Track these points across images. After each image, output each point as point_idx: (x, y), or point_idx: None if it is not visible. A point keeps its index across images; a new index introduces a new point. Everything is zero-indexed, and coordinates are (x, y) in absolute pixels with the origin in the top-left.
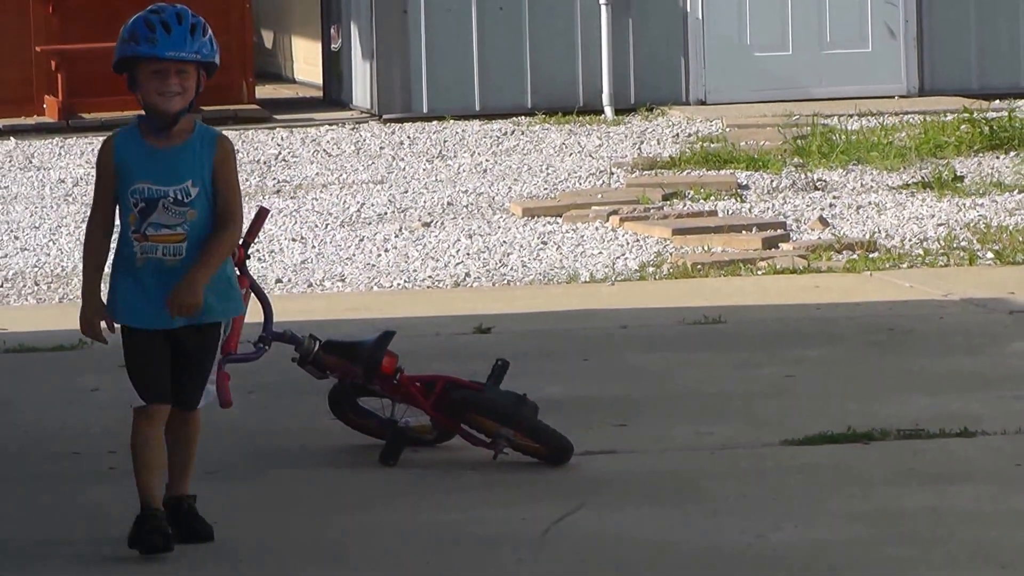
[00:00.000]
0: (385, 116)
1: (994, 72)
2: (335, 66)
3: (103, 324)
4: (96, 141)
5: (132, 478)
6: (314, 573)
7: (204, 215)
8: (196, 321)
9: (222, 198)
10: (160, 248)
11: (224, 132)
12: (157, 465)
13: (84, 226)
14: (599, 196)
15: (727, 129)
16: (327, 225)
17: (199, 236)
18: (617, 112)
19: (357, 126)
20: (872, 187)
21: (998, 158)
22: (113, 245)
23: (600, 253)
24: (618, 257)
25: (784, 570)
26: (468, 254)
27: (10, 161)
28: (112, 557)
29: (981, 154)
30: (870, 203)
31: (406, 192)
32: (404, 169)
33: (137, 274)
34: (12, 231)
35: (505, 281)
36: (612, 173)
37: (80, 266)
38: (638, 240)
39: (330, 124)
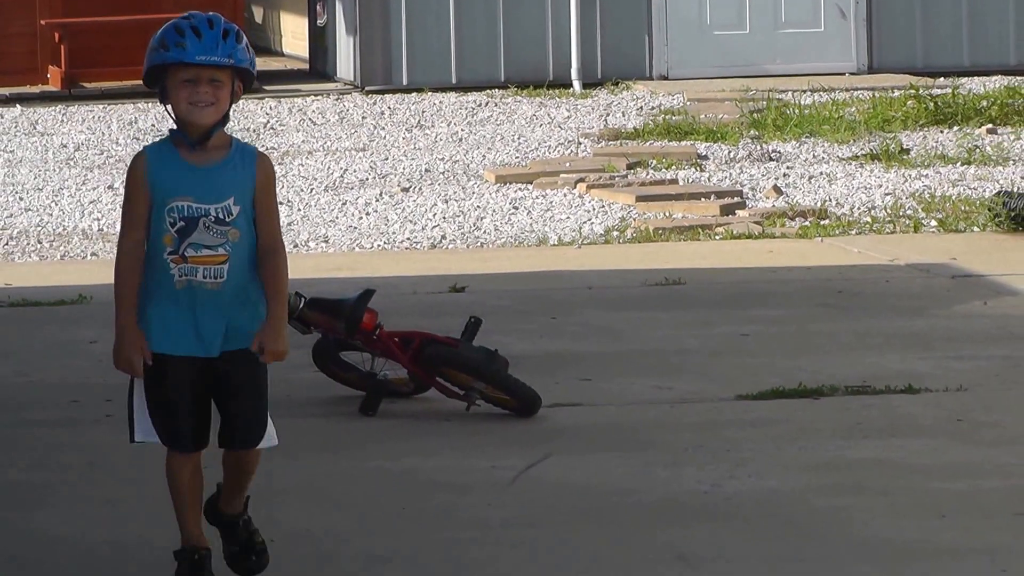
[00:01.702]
0: (367, 88)
1: (938, 51)
2: (321, 40)
3: (142, 357)
4: (96, 108)
5: (128, 426)
6: (301, 513)
7: (245, 235)
8: (236, 346)
9: (267, 226)
10: (200, 271)
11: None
12: (196, 496)
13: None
14: (567, 164)
15: (688, 103)
16: (312, 190)
17: (241, 257)
18: (585, 86)
19: (341, 97)
20: (823, 158)
21: (942, 132)
22: None
23: (568, 218)
24: (585, 222)
25: (738, 517)
26: (444, 218)
27: (16, 127)
28: (109, 498)
29: (926, 128)
30: (821, 173)
31: (386, 159)
32: (385, 138)
33: (174, 298)
34: (17, 192)
35: (479, 243)
36: (580, 143)
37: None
38: (604, 206)
39: (315, 95)
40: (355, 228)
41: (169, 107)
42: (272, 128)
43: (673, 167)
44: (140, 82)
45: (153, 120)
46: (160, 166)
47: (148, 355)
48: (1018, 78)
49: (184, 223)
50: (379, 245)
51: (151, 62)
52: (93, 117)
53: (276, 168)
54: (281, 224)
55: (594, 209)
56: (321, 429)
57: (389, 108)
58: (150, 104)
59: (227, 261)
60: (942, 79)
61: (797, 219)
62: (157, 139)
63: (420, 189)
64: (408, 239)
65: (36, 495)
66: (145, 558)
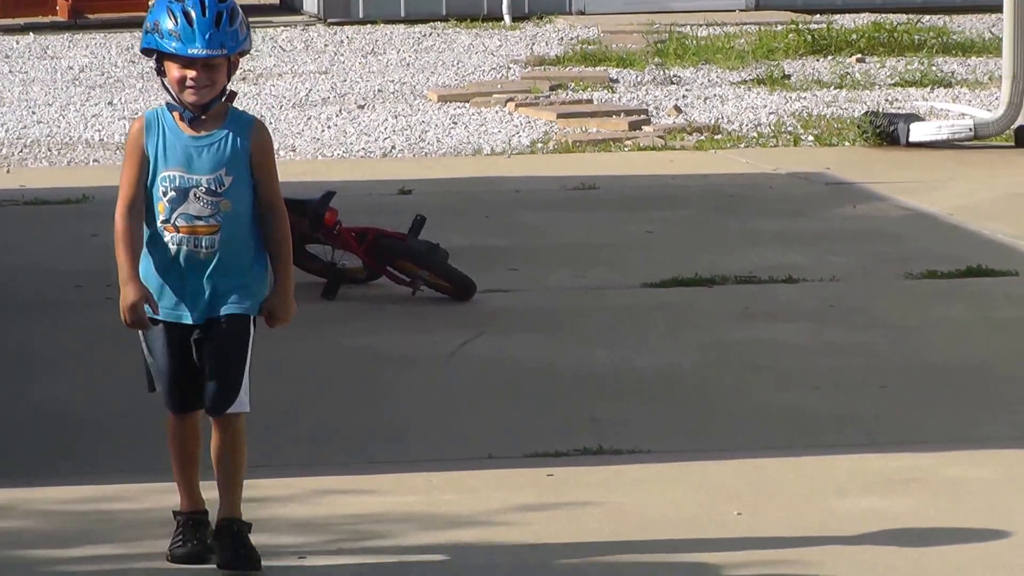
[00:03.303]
0: (329, 20)
1: None
2: None
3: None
4: (98, 36)
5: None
6: (264, 384)
7: (239, 205)
8: (217, 313)
9: (267, 190)
10: (192, 240)
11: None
12: (194, 457)
13: (115, 216)
14: (499, 86)
15: (602, 34)
16: (282, 106)
17: (233, 227)
18: (514, 19)
19: (307, 28)
20: (717, 82)
21: (818, 61)
22: None
23: (499, 132)
24: (513, 135)
25: (644, 388)
26: (394, 131)
27: (29, 52)
28: (104, 370)
29: (805, 57)
30: (715, 95)
31: (345, 81)
32: (343, 63)
33: (167, 265)
34: (30, 107)
35: (423, 153)
36: (509, 68)
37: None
38: (530, 122)
39: (285, 26)
40: (318, 139)
41: (165, 80)
42: (248, 55)
43: (589, 89)
44: (135, 14)
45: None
46: (156, 135)
47: (153, 304)
48: (883, 15)
49: (175, 193)
50: (338, 154)
51: (146, 43)
52: (95, 44)
53: (251, 88)
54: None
55: (521, 124)
56: None
57: (347, 37)
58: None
59: (218, 231)
60: (819, 16)
61: (694, 134)
62: (158, 106)
63: (373, 107)
64: (363, 149)
65: (46, 365)
66: (134, 421)
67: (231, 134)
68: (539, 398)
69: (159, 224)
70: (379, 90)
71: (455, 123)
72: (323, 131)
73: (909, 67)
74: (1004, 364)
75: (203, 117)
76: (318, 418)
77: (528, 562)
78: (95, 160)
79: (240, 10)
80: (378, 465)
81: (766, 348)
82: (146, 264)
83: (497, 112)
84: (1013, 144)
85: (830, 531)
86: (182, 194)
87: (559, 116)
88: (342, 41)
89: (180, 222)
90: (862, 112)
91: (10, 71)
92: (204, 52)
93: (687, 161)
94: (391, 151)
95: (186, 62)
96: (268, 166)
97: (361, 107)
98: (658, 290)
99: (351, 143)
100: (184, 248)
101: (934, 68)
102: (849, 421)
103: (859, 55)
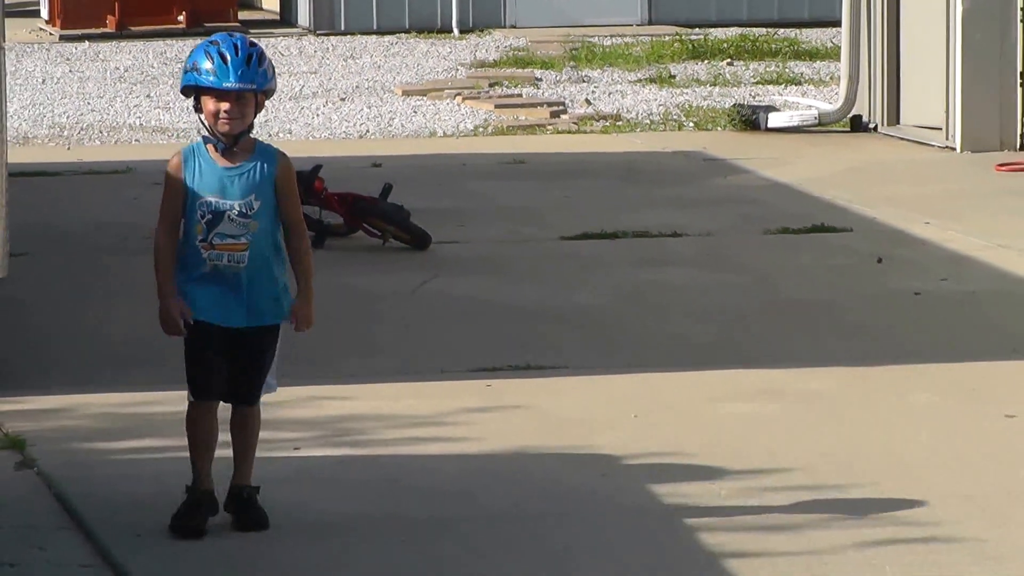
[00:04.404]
0: (318, 32)
1: (696, 9)
2: None
3: (182, 318)
4: (139, 44)
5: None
6: None
7: (265, 226)
8: (257, 323)
9: (289, 212)
10: (225, 256)
11: None
12: (209, 445)
13: (154, 231)
14: (450, 84)
15: (529, 44)
16: (280, 100)
17: (260, 244)
18: (461, 32)
19: (300, 38)
20: (618, 81)
21: (697, 64)
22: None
23: (450, 119)
24: (461, 121)
25: (561, 320)
26: (368, 118)
27: (85, 56)
28: (143, 302)
29: (687, 62)
30: (617, 91)
31: (330, 79)
32: (329, 65)
33: (205, 277)
34: (86, 99)
35: (391, 135)
36: (458, 70)
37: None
38: (473, 111)
39: (283, 36)
40: (309, 124)
41: (201, 116)
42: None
43: (519, 86)
44: (168, 26)
45: (177, 51)
46: (194, 167)
47: (188, 315)
48: (748, 28)
49: (211, 216)
50: (325, 136)
51: (185, 82)
52: (137, 50)
53: None
54: (259, 122)
55: (467, 113)
56: None
57: (332, 45)
58: (175, 41)
59: (248, 248)
60: (698, 29)
61: (601, 121)
62: (193, 142)
63: (352, 99)
64: (344, 132)
65: (98, 298)
66: (167, 342)
67: (260, 163)
68: (480, 326)
69: (197, 242)
70: (357, 86)
71: (416, 112)
72: (313, 118)
73: (768, 69)
74: (842, 301)
75: (235, 149)
76: (309, 340)
77: (471, 452)
78: (136, 140)
79: (268, 56)
80: (355, 377)
81: (657, 288)
82: (187, 277)
83: (448, 104)
84: (849, 129)
85: (707, 430)
86: (217, 216)
87: (496, 107)
88: (328, 48)
89: (216, 240)
90: (731, 104)
91: (70, 71)
92: (237, 86)
93: (595, 142)
94: (366, 134)
95: (221, 95)
96: (291, 190)
97: (343, 100)
98: (573, 242)
99: (335, 127)
100: (219, 263)
101: (787, 70)
102: (723, 345)
103: (729, 60)
